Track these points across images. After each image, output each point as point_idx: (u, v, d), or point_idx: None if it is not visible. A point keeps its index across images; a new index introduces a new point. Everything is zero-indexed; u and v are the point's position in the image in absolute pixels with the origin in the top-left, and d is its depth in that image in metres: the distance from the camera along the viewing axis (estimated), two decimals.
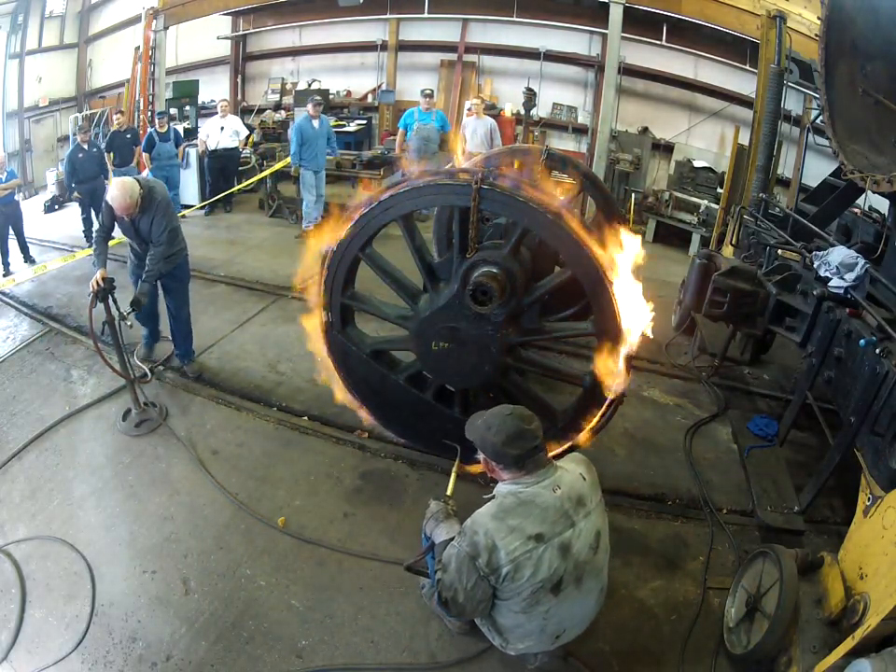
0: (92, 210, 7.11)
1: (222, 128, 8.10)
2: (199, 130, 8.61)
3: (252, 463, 3.51)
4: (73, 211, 8.07)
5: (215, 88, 10.92)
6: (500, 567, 1.90)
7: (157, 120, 7.96)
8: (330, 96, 10.34)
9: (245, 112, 11.13)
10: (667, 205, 7.96)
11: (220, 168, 8.29)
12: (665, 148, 8.82)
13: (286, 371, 4.48)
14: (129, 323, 3.78)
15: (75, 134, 9.28)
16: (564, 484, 2.02)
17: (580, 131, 9.47)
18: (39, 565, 2.83)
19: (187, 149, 8.30)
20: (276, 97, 10.78)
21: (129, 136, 7.90)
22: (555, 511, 1.96)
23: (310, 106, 7.21)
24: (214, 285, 6.01)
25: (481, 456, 2.09)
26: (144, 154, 7.78)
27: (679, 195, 7.95)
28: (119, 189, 3.60)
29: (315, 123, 7.14)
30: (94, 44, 11.45)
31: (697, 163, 8.32)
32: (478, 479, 3.30)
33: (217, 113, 8.32)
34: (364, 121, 10.10)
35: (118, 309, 3.69)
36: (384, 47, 10.09)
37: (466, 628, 2.47)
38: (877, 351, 2.42)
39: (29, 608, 2.63)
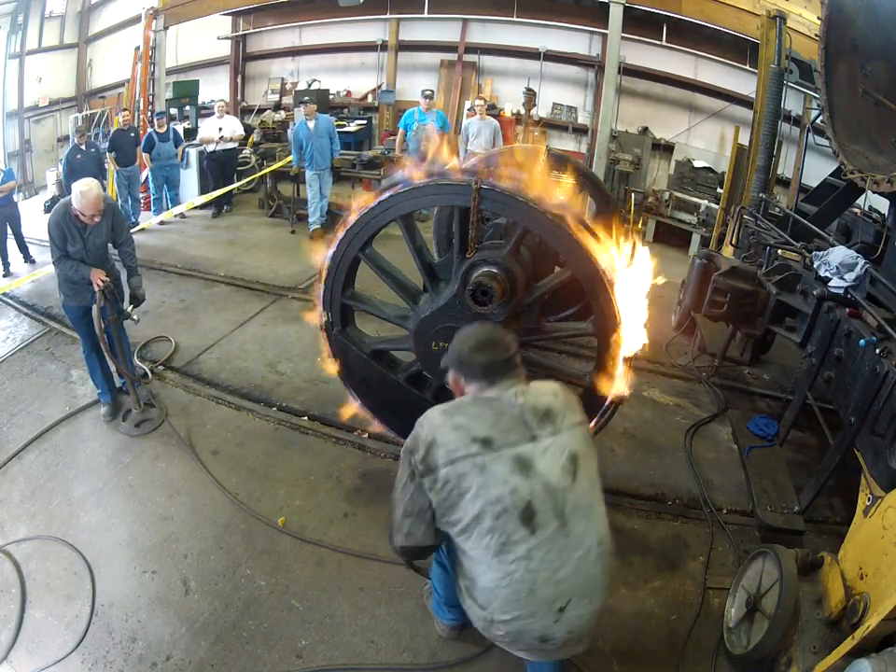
0: None
1: (220, 129, 8.10)
2: (198, 130, 8.60)
3: (252, 463, 3.51)
4: None
5: (215, 88, 10.93)
6: (437, 468, 1.64)
7: (156, 120, 7.96)
8: (330, 96, 10.34)
9: (244, 112, 11.15)
10: (667, 205, 7.96)
11: (220, 169, 8.29)
12: (665, 148, 8.82)
13: (286, 371, 4.48)
14: (135, 318, 3.80)
15: (74, 135, 9.30)
16: (529, 395, 1.76)
17: (580, 131, 9.47)
18: (39, 565, 2.83)
19: (186, 149, 8.31)
20: (276, 97, 10.78)
21: (132, 135, 7.91)
22: (511, 418, 1.70)
23: (301, 108, 7.22)
24: (214, 285, 6.01)
25: (449, 376, 1.90)
26: (143, 154, 7.79)
27: (679, 195, 7.96)
28: (88, 187, 3.37)
29: (311, 124, 7.13)
30: (94, 44, 11.47)
31: (697, 163, 8.32)
32: None
33: (215, 113, 8.33)
34: (364, 121, 10.11)
35: (121, 308, 3.71)
36: (384, 47, 10.10)
37: (454, 633, 2.44)
38: (877, 351, 2.42)
39: (29, 608, 2.63)
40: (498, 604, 1.66)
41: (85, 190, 3.34)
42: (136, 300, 3.78)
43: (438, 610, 2.44)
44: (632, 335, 2.58)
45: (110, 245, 3.76)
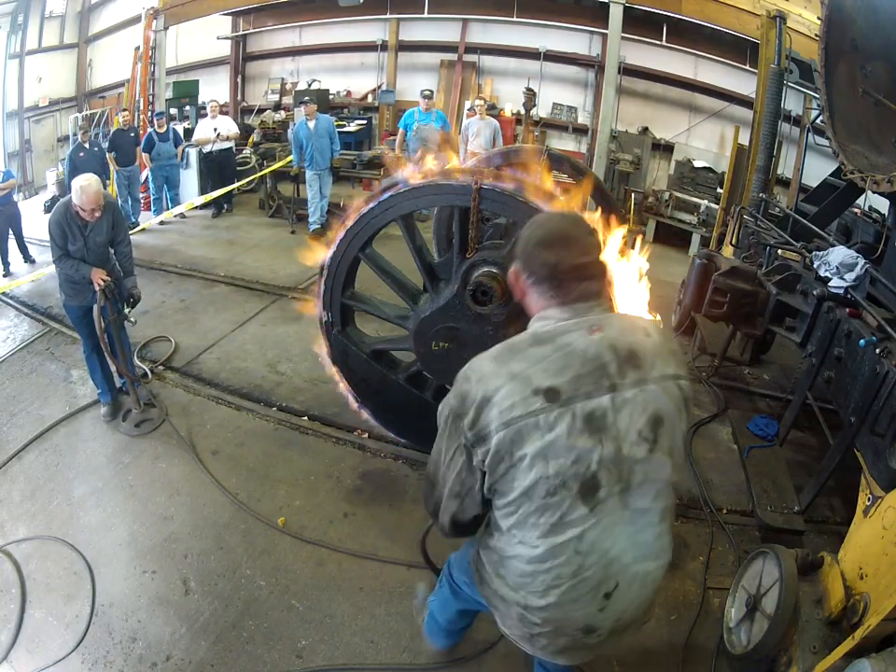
0: None
1: (215, 129, 8.09)
2: (194, 131, 8.59)
3: (252, 463, 3.51)
4: None
5: (215, 88, 10.93)
6: (490, 435, 1.26)
7: (156, 121, 7.97)
8: (330, 96, 10.34)
9: (244, 112, 11.15)
10: (667, 205, 7.96)
11: (217, 170, 8.28)
12: (665, 148, 8.83)
13: (286, 371, 4.48)
14: (133, 320, 3.81)
15: (75, 134, 9.30)
16: (611, 328, 1.33)
17: (580, 131, 9.47)
18: (39, 565, 2.83)
19: (186, 149, 8.30)
20: (276, 97, 10.79)
21: (132, 135, 7.92)
22: (585, 359, 1.27)
23: (301, 108, 7.23)
24: (214, 285, 6.01)
25: (511, 269, 1.47)
26: (143, 154, 7.79)
27: (679, 195, 7.95)
28: (87, 182, 3.35)
29: (311, 124, 7.13)
30: (94, 44, 11.47)
31: (697, 163, 8.32)
32: None
33: (208, 114, 8.32)
34: (364, 121, 10.11)
35: (120, 308, 3.72)
36: (384, 47, 10.10)
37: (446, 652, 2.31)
38: (877, 351, 2.42)
39: (29, 608, 2.63)
40: (536, 586, 1.34)
41: (85, 185, 3.33)
42: (132, 300, 3.78)
43: (432, 635, 2.26)
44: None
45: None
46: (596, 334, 1.31)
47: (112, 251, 3.75)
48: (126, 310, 3.75)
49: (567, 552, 1.30)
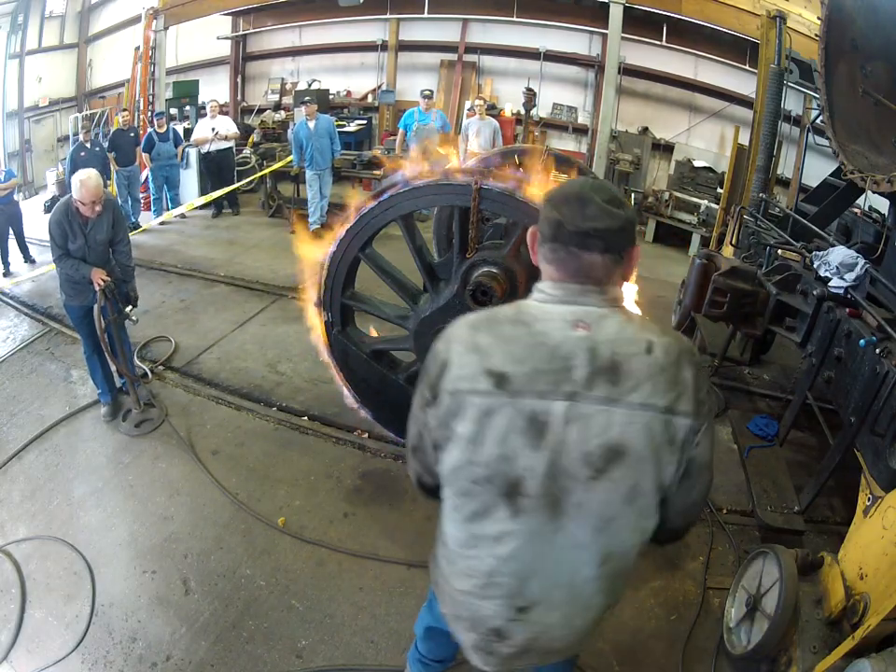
0: None
1: (213, 129, 8.09)
2: (193, 131, 8.59)
3: (252, 463, 3.51)
4: None
5: (215, 88, 10.92)
6: (440, 398, 1.20)
7: (156, 121, 7.97)
8: (330, 96, 10.34)
9: (244, 112, 11.15)
10: (667, 205, 7.96)
11: (216, 170, 8.25)
12: (665, 148, 8.82)
13: (286, 371, 4.48)
14: (135, 319, 3.81)
15: (76, 134, 9.30)
16: (602, 330, 1.15)
17: (580, 131, 9.47)
18: (39, 565, 2.83)
19: (186, 150, 8.30)
20: (276, 97, 10.78)
21: (132, 135, 7.91)
22: (553, 356, 1.13)
23: (302, 108, 7.23)
24: (214, 285, 6.02)
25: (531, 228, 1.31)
26: (143, 154, 7.79)
27: (679, 195, 7.95)
28: (87, 176, 3.35)
29: (311, 124, 7.13)
30: (94, 44, 11.47)
31: (697, 163, 8.32)
32: None
33: (208, 114, 8.32)
34: (364, 121, 10.10)
35: (121, 308, 3.72)
36: (384, 47, 10.09)
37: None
38: (877, 351, 2.42)
39: (29, 608, 2.63)
40: (459, 569, 1.32)
41: (84, 179, 3.34)
42: (129, 300, 3.78)
43: (409, 660, 1.96)
44: None
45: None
46: (580, 331, 1.14)
47: (111, 251, 3.75)
48: (127, 309, 3.76)
49: (484, 547, 1.24)
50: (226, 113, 9.37)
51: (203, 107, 10.32)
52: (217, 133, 8.03)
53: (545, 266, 1.23)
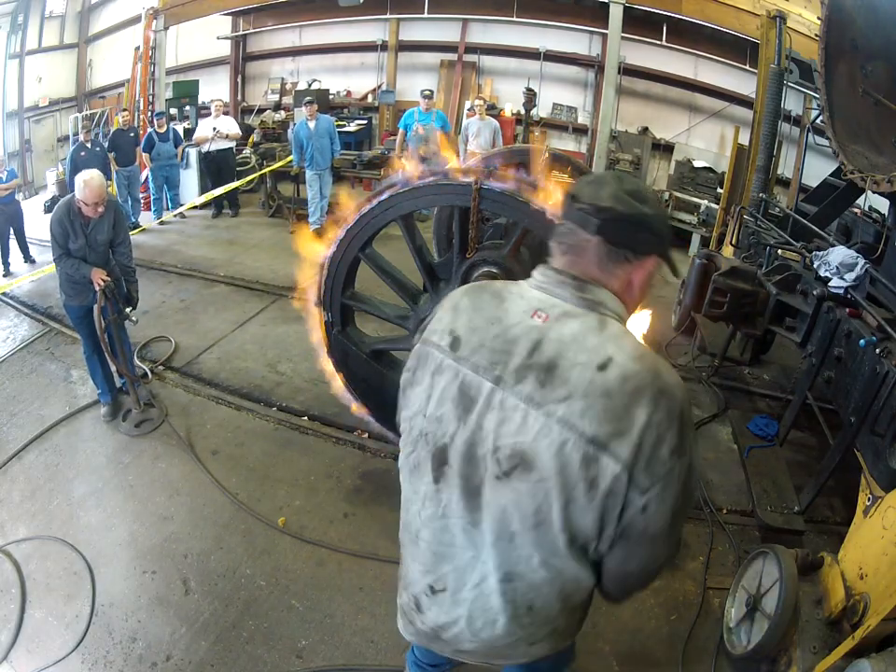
0: None
1: (214, 128, 8.09)
2: (195, 130, 8.60)
3: (252, 463, 3.51)
4: None
5: (215, 88, 10.91)
6: (417, 343, 1.26)
7: (156, 121, 7.97)
8: (330, 96, 10.34)
9: (244, 112, 11.15)
10: (667, 205, 7.95)
11: (217, 170, 8.24)
12: (665, 148, 8.82)
13: (286, 371, 4.48)
14: (135, 319, 3.81)
15: (76, 134, 9.30)
16: (560, 328, 1.07)
17: (580, 131, 9.47)
18: (39, 565, 2.83)
19: (186, 149, 8.30)
20: (276, 97, 10.78)
21: (132, 135, 7.92)
22: (500, 335, 1.10)
23: (303, 108, 7.24)
24: (214, 285, 6.02)
25: None
26: (143, 154, 7.79)
27: (679, 195, 7.95)
28: (90, 176, 3.36)
29: (311, 124, 7.13)
30: (94, 44, 11.47)
31: (697, 163, 8.32)
32: None
33: (212, 113, 8.31)
34: (364, 121, 10.10)
35: (121, 308, 3.72)
36: (384, 47, 10.09)
37: None
38: (877, 351, 2.42)
39: (29, 608, 2.63)
40: (402, 521, 1.34)
41: (88, 179, 3.36)
42: (130, 301, 3.79)
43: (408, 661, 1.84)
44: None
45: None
46: (535, 320, 1.08)
47: (112, 251, 3.75)
48: (127, 309, 3.76)
49: (414, 503, 1.23)
50: (227, 113, 9.37)
51: (205, 107, 10.35)
52: (217, 131, 8.02)
53: (550, 246, 1.17)
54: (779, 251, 3.87)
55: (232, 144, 8.31)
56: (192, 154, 8.39)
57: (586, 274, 1.10)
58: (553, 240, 1.16)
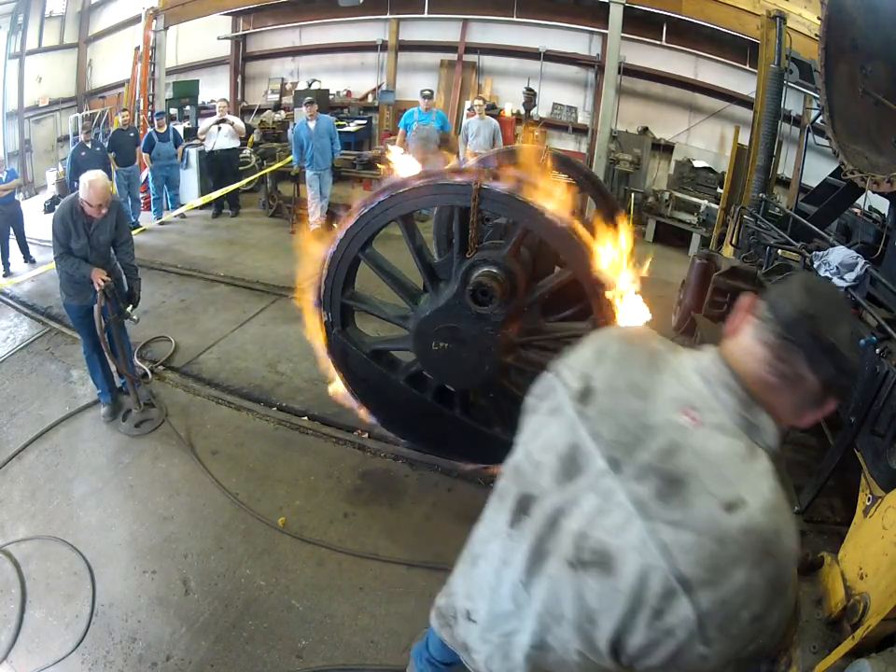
0: None
1: (219, 128, 8.08)
2: (198, 129, 8.59)
3: (252, 463, 3.51)
4: None
5: (215, 88, 10.92)
6: (555, 367, 1.17)
7: (156, 121, 7.97)
8: (330, 96, 10.34)
9: (245, 112, 11.14)
10: (667, 205, 7.95)
11: (219, 170, 8.22)
12: (665, 148, 8.82)
13: (286, 371, 4.48)
14: (136, 318, 3.81)
15: (76, 134, 9.30)
16: (699, 438, 0.95)
17: (580, 131, 9.47)
18: (39, 565, 2.83)
19: (186, 149, 8.29)
20: (276, 97, 10.78)
21: (131, 135, 7.92)
22: (636, 413, 0.99)
23: (304, 108, 7.24)
24: (214, 285, 6.02)
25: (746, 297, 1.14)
26: (143, 154, 7.79)
27: (679, 195, 7.95)
28: (95, 177, 3.38)
29: (311, 124, 7.14)
30: (94, 44, 11.46)
31: (697, 163, 8.32)
32: (477, 478, 3.31)
33: (216, 113, 8.31)
34: (364, 121, 10.10)
35: (122, 308, 3.72)
36: (384, 47, 10.09)
37: None
38: (877, 351, 2.42)
39: (29, 608, 2.63)
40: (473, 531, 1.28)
41: (93, 180, 3.37)
42: (132, 300, 3.79)
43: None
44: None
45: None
46: (684, 419, 0.95)
47: (113, 251, 3.75)
48: (128, 308, 3.76)
49: (482, 530, 1.20)
50: (230, 113, 9.37)
51: (204, 107, 10.35)
52: (224, 119, 8.01)
53: (747, 341, 1.00)
54: (779, 251, 3.88)
55: (237, 143, 8.27)
56: (192, 154, 8.38)
57: (762, 394, 0.96)
58: (751, 337, 0.99)
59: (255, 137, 9.27)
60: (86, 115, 10.54)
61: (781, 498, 0.94)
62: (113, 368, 3.86)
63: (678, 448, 0.94)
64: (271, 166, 8.15)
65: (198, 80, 10.98)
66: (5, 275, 6.40)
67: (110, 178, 7.57)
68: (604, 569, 0.95)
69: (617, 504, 0.95)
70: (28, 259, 6.69)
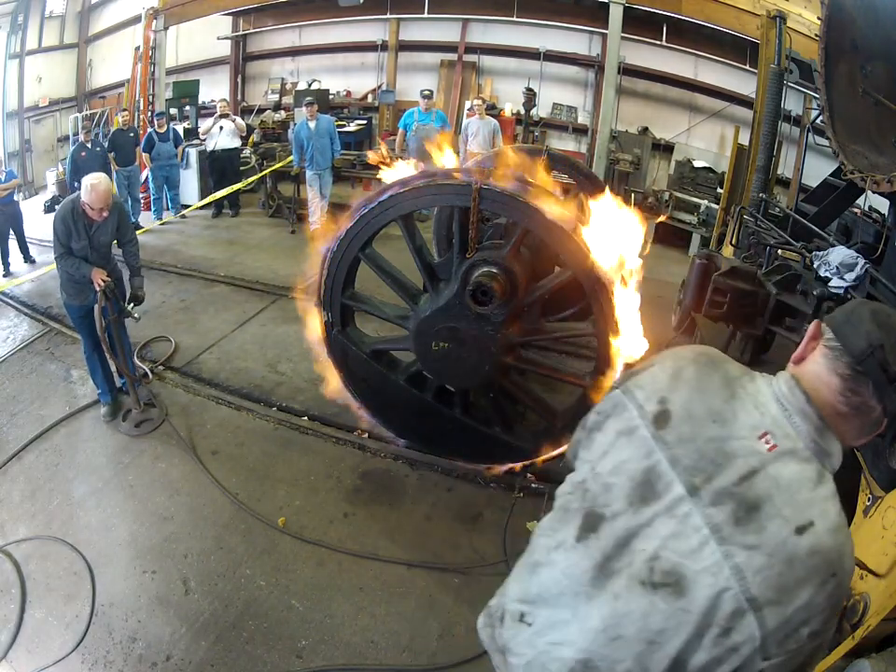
0: None
1: (221, 128, 8.07)
2: (198, 129, 8.58)
3: (252, 463, 3.51)
4: None
5: (215, 88, 10.91)
6: (621, 384, 1.17)
7: (156, 121, 7.97)
8: (330, 96, 10.34)
9: (245, 112, 11.14)
10: (667, 205, 7.95)
11: (221, 170, 8.21)
12: (665, 148, 8.82)
13: (286, 371, 4.48)
14: (137, 316, 3.81)
15: (76, 134, 9.29)
16: (775, 464, 0.97)
17: (580, 131, 9.47)
18: (39, 565, 2.83)
19: (186, 149, 8.29)
20: (276, 97, 10.78)
21: (131, 135, 7.92)
22: (715, 438, 1.01)
23: (304, 108, 7.24)
24: (214, 285, 6.02)
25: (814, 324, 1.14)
26: (143, 154, 7.79)
27: (679, 195, 7.95)
28: (97, 180, 3.39)
29: (312, 124, 7.14)
30: (94, 44, 11.46)
31: (697, 163, 8.32)
32: (477, 478, 3.31)
33: (216, 113, 8.30)
34: (364, 121, 10.10)
35: (122, 307, 3.72)
36: (384, 47, 10.09)
37: None
38: None
39: (29, 608, 2.63)
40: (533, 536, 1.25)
41: (95, 183, 3.37)
42: (136, 300, 3.79)
43: None
44: (632, 338, 2.58)
45: (114, 245, 3.76)
46: (762, 445, 0.98)
47: (120, 251, 3.77)
48: (129, 306, 3.76)
49: (544, 539, 1.17)
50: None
51: (204, 107, 10.34)
52: (226, 115, 8.00)
53: (819, 370, 1.02)
54: (779, 251, 3.88)
55: (238, 143, 8.25)
56: (192, 154, 8.38)
57: (833, 421, 1.00)
58: (821, 367, 1.02)
59: (255, 137, 9.26)
60: (86, 115, 10.53)
61: (844, 520, 0.98)
62: (113, 368, 3.86)
63: (754, 473, 0.97)
64: (271, 166, 8.14)
65: (198, 80, 10.97)
66: (5, 275, 6.40)
67: (110, 178, 7.58)
68: (675, 591, 0.96)
69: (692, 528, 0.97)
70: (28, 259, 6.69)
